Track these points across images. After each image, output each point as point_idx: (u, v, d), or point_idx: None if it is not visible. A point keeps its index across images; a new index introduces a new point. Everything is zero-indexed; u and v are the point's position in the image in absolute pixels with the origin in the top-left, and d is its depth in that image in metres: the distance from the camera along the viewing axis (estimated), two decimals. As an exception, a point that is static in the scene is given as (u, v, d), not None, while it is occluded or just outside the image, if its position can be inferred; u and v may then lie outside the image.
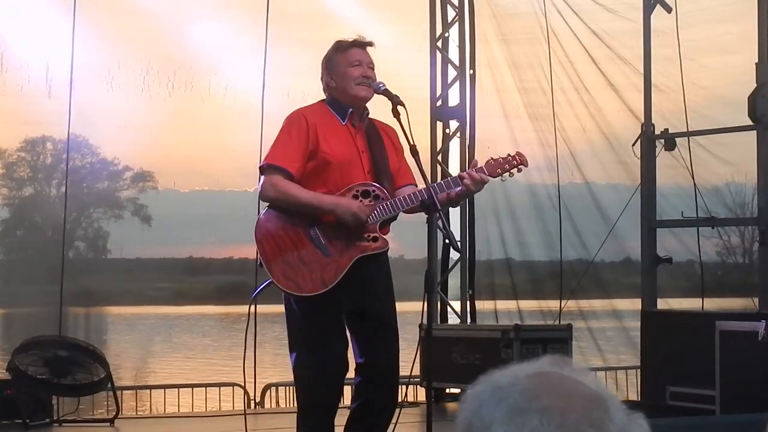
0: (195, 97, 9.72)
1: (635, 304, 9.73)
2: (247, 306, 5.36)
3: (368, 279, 5.13)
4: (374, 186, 5.13)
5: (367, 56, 5.23)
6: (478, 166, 5.12)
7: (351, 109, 5.20)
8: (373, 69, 5.22)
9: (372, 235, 5.10)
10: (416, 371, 7.24)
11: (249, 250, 5.24)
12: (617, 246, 10.09)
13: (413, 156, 5.07)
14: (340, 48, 5.25)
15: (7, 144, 12.71)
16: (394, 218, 5.21)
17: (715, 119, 9.31)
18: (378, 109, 5.30)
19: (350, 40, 5.26)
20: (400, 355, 5.23)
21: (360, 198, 5.11)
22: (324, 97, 5.32)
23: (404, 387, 7.17)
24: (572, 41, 10.27)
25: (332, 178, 5.12)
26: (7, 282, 11.76)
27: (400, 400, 5.57)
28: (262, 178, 5.16)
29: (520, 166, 5.20)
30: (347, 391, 5.59)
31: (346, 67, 5.18)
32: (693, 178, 8.85)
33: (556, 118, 10.24)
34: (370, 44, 5.28)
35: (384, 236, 5.14)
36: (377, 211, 5.09)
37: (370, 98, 5.21)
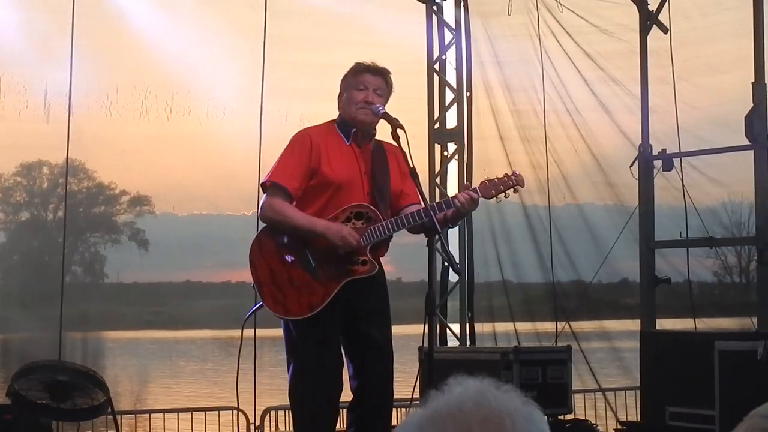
0: (193, 122, 9.74)
1: (628, 325, 9.69)
2: (247, 330, 5.36)
3: (360, 301, 5.13)
4: (368, 208, 5.14)
5: (375, 81, 5.22)
6: (472, 188, 5.13)
7: (354, 130, 5.23)
8: (381, 95, 5.21)
9: (362, 258, 5.11)
10: (417, 394, 7.24)
11: (247, 274, 5.25)
12: (608, 267, 10.06)
13: (413, 179, 5.09)
14: (355, 70, 5.28)
15: (3, 168, 12.72)
16: (388, 240, 5.21)
17: (707, 139, 9.23)
18: (378, 132, 5.32)
19: (366, 63, 5.28)
20: (395, 378, 5.24)
21: (353, 220, 5.12)
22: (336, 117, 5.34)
23: (405, 410, 7.16)
24: (565, 63, 10.27)
25: (332, 198, 5.14)
26: (4, 307, 11.71)
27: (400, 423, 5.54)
28: (264, 196, 5.20)
29: (516, 186, 5.19)
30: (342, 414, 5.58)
31: (353, 89, 5.22)
32: (687, 199, 8.85)
33: (548, 140, 10.24)
34: (385, 71, 5.28)
35: (375, 260, 5.14)
36: (368, 234, 5.11)
37: (372, 123, 5.22)
